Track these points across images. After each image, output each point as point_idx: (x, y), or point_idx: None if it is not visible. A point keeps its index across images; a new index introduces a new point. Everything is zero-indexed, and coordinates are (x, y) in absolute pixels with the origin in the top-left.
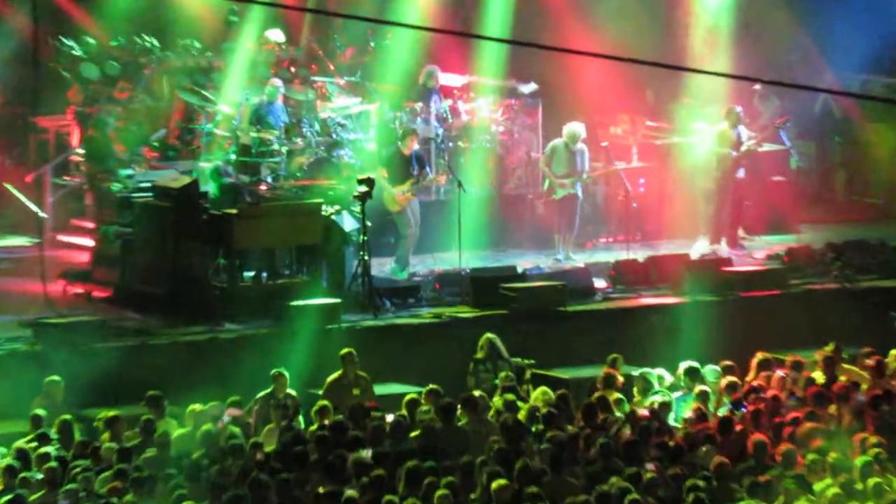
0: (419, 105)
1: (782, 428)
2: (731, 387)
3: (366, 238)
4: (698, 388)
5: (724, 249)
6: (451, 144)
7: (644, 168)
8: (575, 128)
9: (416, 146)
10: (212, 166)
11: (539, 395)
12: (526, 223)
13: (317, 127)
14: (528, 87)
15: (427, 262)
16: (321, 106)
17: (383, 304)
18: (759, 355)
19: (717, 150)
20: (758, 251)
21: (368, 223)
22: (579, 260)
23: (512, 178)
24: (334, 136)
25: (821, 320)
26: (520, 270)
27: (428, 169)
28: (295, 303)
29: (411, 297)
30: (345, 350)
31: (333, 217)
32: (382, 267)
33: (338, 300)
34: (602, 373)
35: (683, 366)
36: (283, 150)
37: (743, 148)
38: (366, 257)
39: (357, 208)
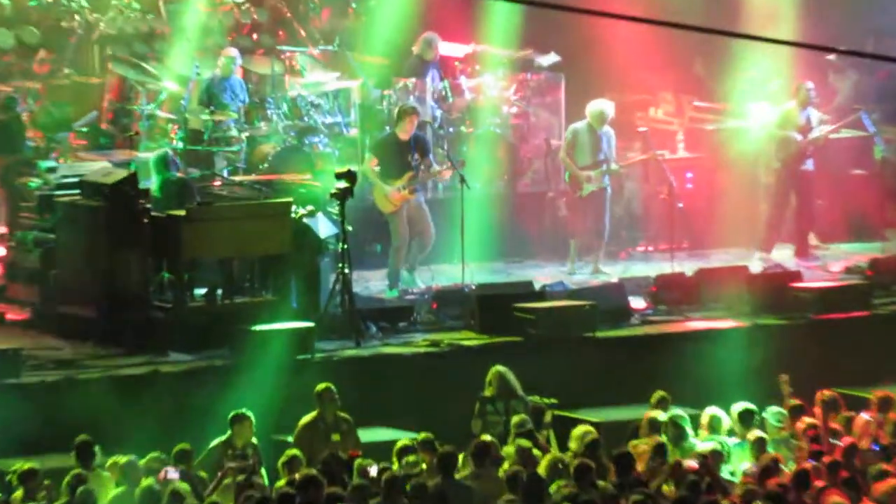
0: (412, 81)
1: (866, 484)
2: (809, 432)
3: (346, 247)
4: (755, 433)
5: (789, 260)
6: (451, 130)
7: (692, 159)
8: (600, 106)
9: (415, 129)
10: (157, 155)
11: (577, 437)
12: (545, 228)
13: (284, 108)
14: (548, 59)
15: (423, 276)
16: (290, 82)
17: (368, 328)
18: (825, 393)
19: (778, 132)
20: (834, 263)
21: (349, 227)
22: (611, 273)
23: (527, 171)
24: (306, 119)
25: None
26: (538, 287)
27: (432, 157)
28: (258, 327)
29: (403, 320)
30: (321, 386)
31: (305, 220)
32: (367, 282)
33: (311, 324)
34: (645, 416)
35: (738, 407)
36: (243, 136)
37: (812, 135)
38: (346, 270)
39: (335, 209)
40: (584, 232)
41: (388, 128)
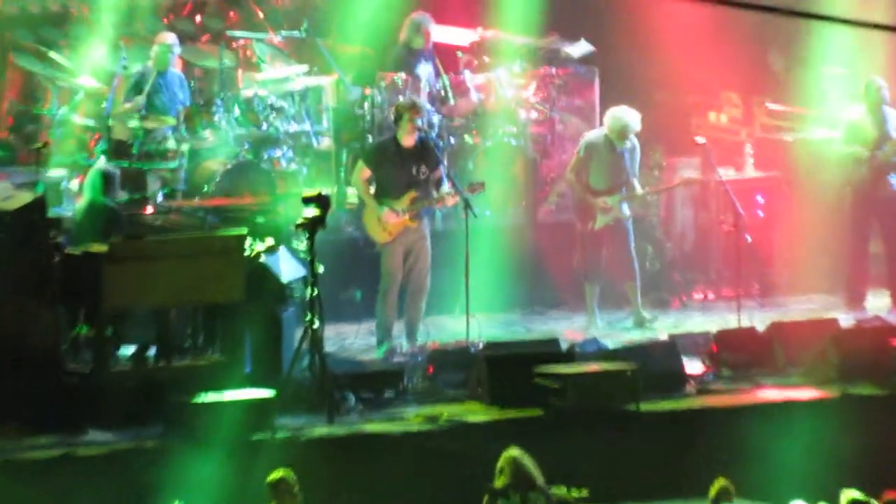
0: (401, 76)
1: None
2: None
3: (316, 293)
4: None
5: (889, 311)
6: (452, 141)
7: (764, 179)
8: (623, 117)
9: (419, 133)
10: (94, 172)
11: None
12: (574, 268)
13: (237, 112)
14: (579, 49)
15: (418, 330)
16: (244, 78)
17: (345, 399)
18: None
19: (844, 148)
20: None
21: (320, 268)
22: (660, 328)
23: (552, 195)
24: (265, 126)
25: None
26: (565, 345)
27: (442, 169)
28: (201, 398)
29: (390, 389)
30: (275, 475)
31: (264, 259)
32: (344, 339)
33: (271, 393)
34: None
35: (846, 496)
36: (183, 149)
37: (886, 148)
38: (316, 323)
39: (302, 244)
40: (597, 275)
41: (368, 136)
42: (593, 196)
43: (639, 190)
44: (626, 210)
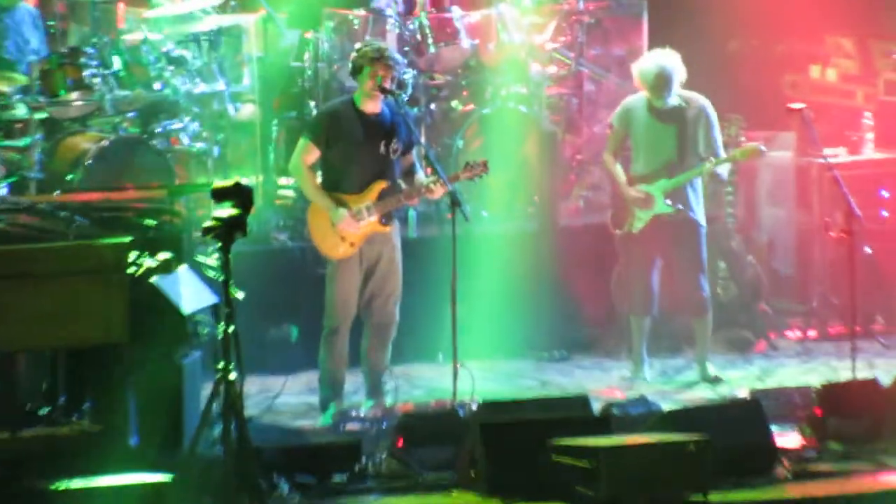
0: (358, 13)
1: None
2: None
3: (233, 329)
4: None
5: None
6: (433, 107)
7: (892, 163)
8: (656, 62)
9: (385, 98)
10: None
11: None
12: (612, 292)
13: (117, 65)
14: None
15: (385, 384)
16: (129, 16)
17: (275, 486)
18: None
19: None
20: None
21: (239, 293)
22: (736, 381)
23: (579, 184)
24: (159, 86)
25: None
26: (597, 406)
27: (416, 154)
28: (63, 485)
29: (342, 471)
30: None
31: (155, 281)
32: (273, 397)
33: (167, 477)
34: None
35: None
36: (38, 119)
37: None
38: (233, 374)
39: (212, 258)
40: (646, 303)
41: (311, 103)
42: (628, 184)
43: (708, 164)
44: (691, 198)
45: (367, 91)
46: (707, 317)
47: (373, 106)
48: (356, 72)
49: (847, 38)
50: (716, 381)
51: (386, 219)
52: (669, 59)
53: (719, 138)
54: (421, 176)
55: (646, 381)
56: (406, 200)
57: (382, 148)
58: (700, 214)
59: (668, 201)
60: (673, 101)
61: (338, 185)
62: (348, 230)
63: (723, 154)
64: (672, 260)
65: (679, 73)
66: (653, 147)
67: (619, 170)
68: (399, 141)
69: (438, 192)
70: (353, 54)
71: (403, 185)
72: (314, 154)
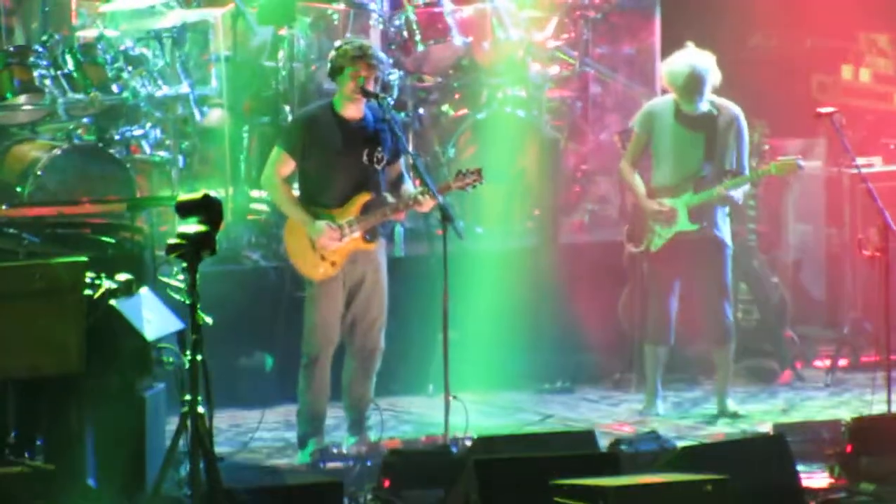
0: (337, 6)
1: None
2: None
3: (201, 358)
4: None
5: None
6: (421, 112)
7: None
8: (686, 62)
9: (368, 102)
10: None
11: None
12: (620, 316)
13: (70, 65)
14: None
15: (368, 418)
16: (83, 9)
17: None
18: None
19: None
20: None
21: (207, 318)
22: (755, 415)
23: (585, 200)
24: (117, 88)
25: None
26: (605, 442)
27: (405, 159)
28: None
29: None
30: None
31: (115, 304)
32: (246, 433)
33: None
34: None
35: None
36: None
37: None
38: (201, 408)
39: (177, 279)
40: (663, 331)
41: (285, 107)
42: (649, 198)
43: (744, 177)
44: (718, 217)
45: (348, 94)
46: (730, 346)
47: (354, 111)
48: (335, 73)
49: (882, 34)
50: (736, 416)
51: (370, 235)
52: (703, 60)
53: (747, 154)
54: (409, 187)
55: (658, 416)
56: (392, 215)
57: (365, 157)
58: (726, 233)
59: (693, 218)
60: (704, 106)
61: (316, 198)
62: (329, 247)
63: (743, 167)
64: (693, 282)
65: (714, 75)
66: (678, 157)
67: (638, 180)
68: (384, 149)
69: (427, 204)
70: (332, 53)
71: (389, 198)
72: (289, 165)
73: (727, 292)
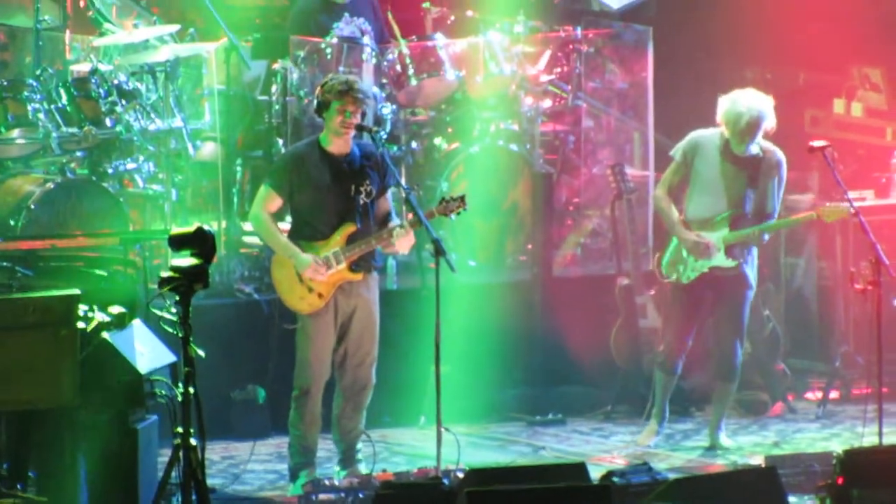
0: (330, 45)
1: None
2: None
3: (193, 391)
4: None
5: None
6: (414, 146)
7: None
8: (752, 105)
9: (356, 135)
10: None
11: None
12: (609, 344)
13: (64, 99)
14: None
15: (359, 451)
16: (76, 44)
17: None
18: None
19: None
20: None
21: (200, 352)
22: (747, 447)
23: (577, 230)
24: (110, 122)
25: None
26: (595, 473)
27: (392, 193)
28: None
29: None
30: None
31: (108, 337)
32: (237, 465)
33: None
34: None
35: None
36: None
37: None
38: (193, 441)
39: (170, 313)
40: (676, 359)
41: (279, 140)
42: (688, 230)
43: (770, 222)
44: (749, 257)
45: (335, 129)
46: (733, 385)
47: (341, 145)
48: (322, 108)
49: (875, 68)
50: (727, 450)
51: (356, 266)
52: (763, 105)
53: (779, 199)
54: (395, 222)
55: (649, 448)
56: (378, 244)
57: (353, 191)
58: (753, 274)
59: (730, 254)
60: (754, 149)
61: (304, 232)
62: (315, 279)
63: (776, 210)
64: (712, 318)
65: (770, 121)
66: (720, 192)
67: (674, 209)
68: (372, 183)
69: (403, 244)
70: (318, 89)
71: (375, 229)
72: (276, 202)
73: (742, 332)
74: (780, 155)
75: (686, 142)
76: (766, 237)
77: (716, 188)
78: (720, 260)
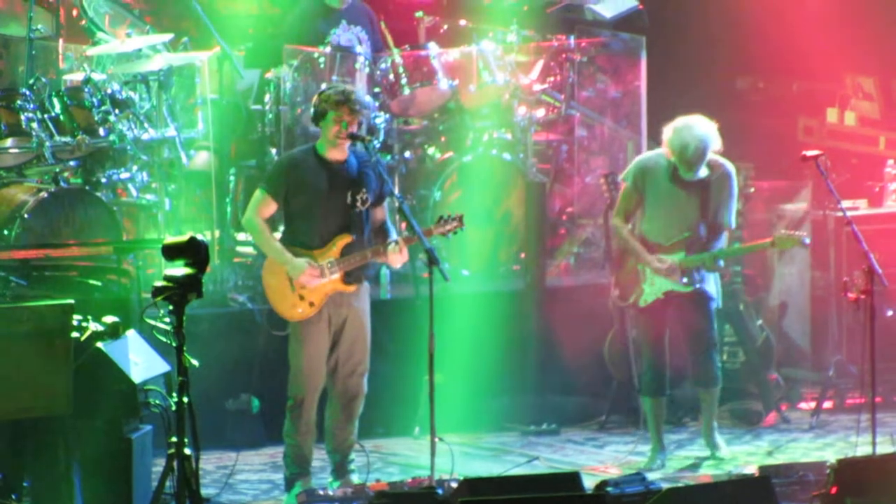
0: (325, 54)
1: None
2: None
3: (187, 400)
4: None
5: None
6: (408, 156)
7: None
8: (696, 135)
9: (352, 146)
10: None
11: None
12: (603, 354)
13: (55, 109)
14: (614, 5)
15: (352, 461)
16: (70, 54)
17: None
18: None
19: None
20: None
21: (194, 361)
22: (741, 457)
23: (570, 240)
24: (103, 132)
25: None
26: (590, 483)
27: (389, 203)
28: None
29: None
30: None
31: (102, 347)
32: (232, 475)
33: None
34: None
35: None
36: None
37: None
38: (188, 450)
39: (164, 322)
40: (660, 382)
41: (272, 150)
42: (648, 251)
43: (723, 245)
44: (703, 279)
45: (331, 138)
46: (716, 390)
47: (338, 153)
48: (319, 118)
49: (868, 77)
50: (721, 455)
51: (350, 277)
52: (707, 132)
53: (734, 210)
54: (393, 233)
55: (661, 465)
56: (374, 257)
57: (349, 199)
58: (711, 286)
59: (685, 279)
60: (702, 172)
61: (298, 239)
62: (308, 286)
63: (732, 223)
64: (681, 332)
65: (716, 144)
66: (672, 216)
67: (634, 239)
68: (368, 191)
69: (395, 260)
70: (315, 98)
71: (371, 241)
72: (271, 208)
73: (713, 341)
74: (728, 167)
75: (634, 167)
76: (722, 263)
77: (668, 212)
78: (676, 284)
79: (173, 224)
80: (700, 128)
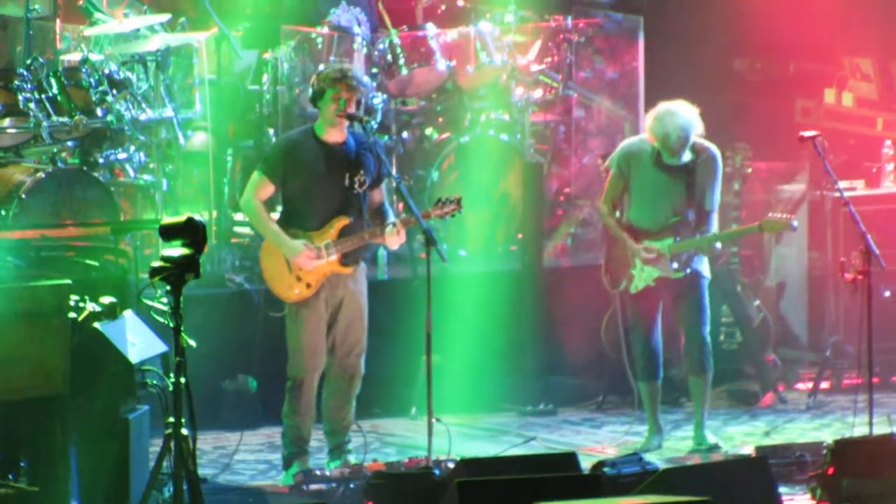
0: (321, 34)
1: None
2: None
3: (184, 381)
4: None
5: None
6: (406, 136)
7: None
8: (671, 114)
9: (350, 124)
10: None
11: None
12: (599, 334)
13: (54, 89)
14: None
15: (349, 442)
16: (67, 34)
17: None
18: None
19: None
20: None
21: (191, 342)
22: (737, 438)
23: (567, 220)
24: (101, 112)
25: None
26: (587, 464)
27: (386, 184)
28: None
29: None
30: None
31: (99, 327)
32: (230, 455)
33: None
34: None
35: None
36: None
37: None
38: (185, 430)
39: (161, 303)
40: (654, 366)
41: (269, 130)
42: (634, 238)
43: (713, 229)
44: (699, 264)
45: (329, 118)
46: (707, 376)
47: (336, 135)
48: (317, 97)
49: (866, 58)
50: (714, 448)
51: (347, 259)
52: (689, 118)
53: (718, 193)
54: (391, 215)
55: (658, 447)
56: (371, 239)
57: (347, 181)
58: (703, 266)
59: (675, 264)
60: (686, 156)
61: (296, 221)
62: (305, 267)
63: (716, 206)
64: (673, 313)
65: (698, 129)
66: (659, 201)
67: (619, 225)
68: (366, 173)
69: (392, 241)
70: (313, 79)
71: (368, 223)
72: (268, 190)
73: (706, 321)
74: (713, 150)
75: (619, 153)
76: (719, 246)
77: (654, 198)
78: (666, 270)
79: (171, 204)
80: (681, 114)
